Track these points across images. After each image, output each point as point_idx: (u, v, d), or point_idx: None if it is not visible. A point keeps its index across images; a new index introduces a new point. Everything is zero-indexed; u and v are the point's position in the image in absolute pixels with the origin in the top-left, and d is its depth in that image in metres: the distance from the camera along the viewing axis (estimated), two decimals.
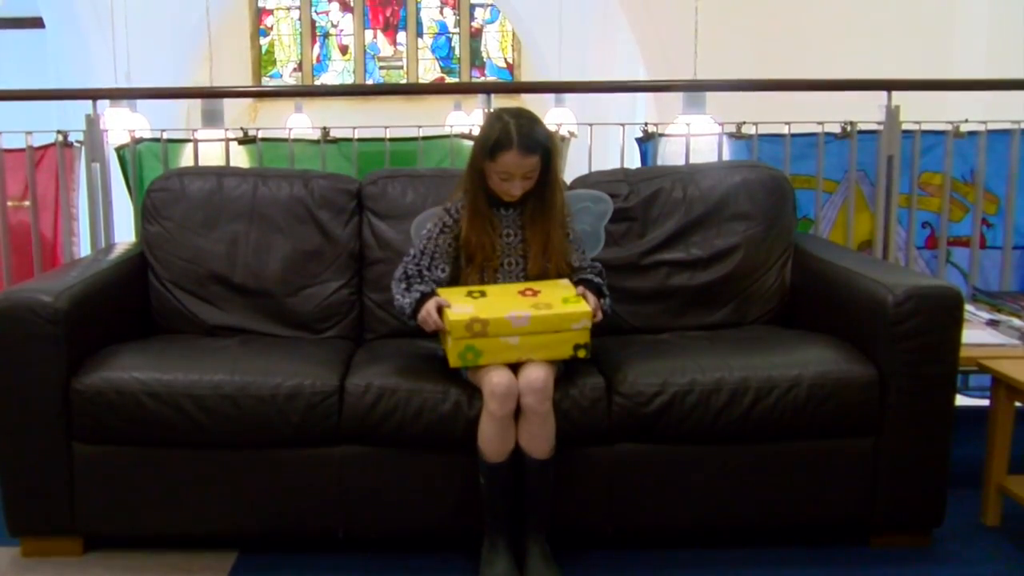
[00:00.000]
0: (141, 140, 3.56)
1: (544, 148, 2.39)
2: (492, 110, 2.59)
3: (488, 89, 3.82)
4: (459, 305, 2.34)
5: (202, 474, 2.41)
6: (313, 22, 13.43)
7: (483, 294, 2.39)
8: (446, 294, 2.40)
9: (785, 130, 3.52)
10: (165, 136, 3.53)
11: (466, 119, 7.00)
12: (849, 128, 3.53)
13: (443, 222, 2.51)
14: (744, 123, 3.54)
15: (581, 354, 2.33)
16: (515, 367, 2.29)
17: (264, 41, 13.37)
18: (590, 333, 2.34)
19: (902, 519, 2.49)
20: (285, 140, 3.59)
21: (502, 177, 2.40)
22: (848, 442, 2.44)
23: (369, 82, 13.31)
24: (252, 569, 2.43)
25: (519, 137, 2.36)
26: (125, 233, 3.50)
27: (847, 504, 2.46)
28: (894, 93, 3.47)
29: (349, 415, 2.38)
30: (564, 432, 2.32)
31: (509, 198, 2.44)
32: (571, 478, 2.39)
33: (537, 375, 2.26)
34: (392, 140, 3.58)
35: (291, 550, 2.50)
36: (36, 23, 8.67)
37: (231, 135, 3.57)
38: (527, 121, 2.40)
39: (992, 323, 2.93)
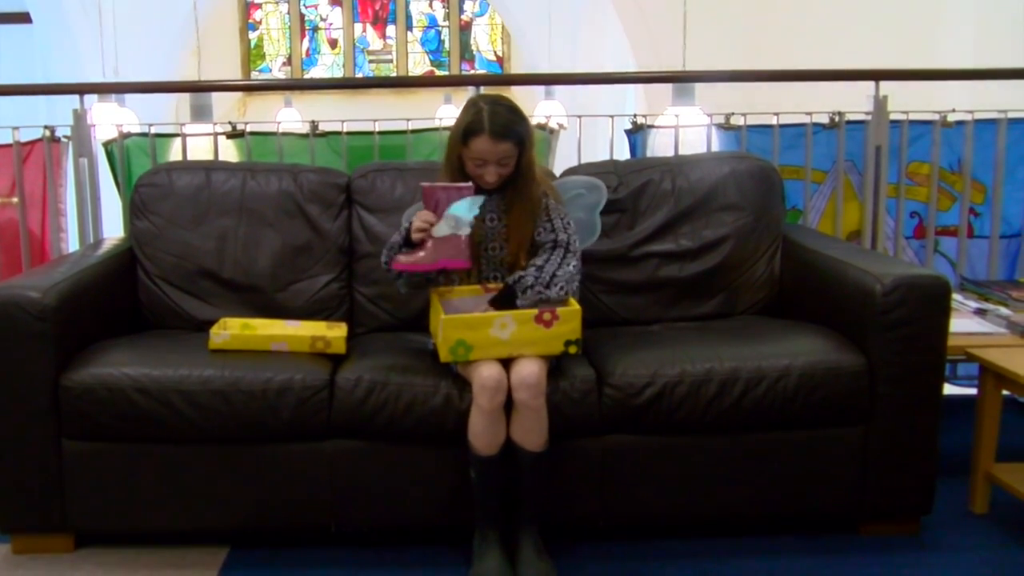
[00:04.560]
0: (129, 135, 3.55)
1: (517, 135, 2.39)
2: (471, 97, 2.59)
3: (478, 82, 3.82)
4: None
5: (193, 470, 2.41)
6: (302, 16, 13.36)
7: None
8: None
9: (773, 121, 3.52)
10: (153, 131, 3.51)
11: (456, 112, 6.98)
12: (837, 118, 3.54)
13: None
14: (733, 114, 3.54)
15: (572, 350, 2.33)
16: (506, 362, 2.29)
17: (253, 35, 13.30)
18: (581, 329, 2.34)
19: (891, 507, 2.50)
20: (274, 134, 3.58)
21: (476, 163, 2.41)
22: (837, 431, 2.45)
23: (358, 76, 13.27)
24: (244, 564, 2.43)
25: (491, 123, 2.36)
26: (114, 228, 3.49)
27: (836, 493, 2.48)
28: (882, 83, 3.48)
29: (340, 409, 2.38)
30: (555, 424, 2.32)
31: (486, 185, 2.43)
32: (562, 470, 2.39)
33: (530, 370, 2.26)
34: (381, 134, 3.58)
35: (283, 544, 2.50)
36: (23, 18, 8.60)
37: (220, 129, 3.55)
38: (502, 108, 2.39)
39: (980, 312, 2.94)
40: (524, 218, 2.46)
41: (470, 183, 2.36)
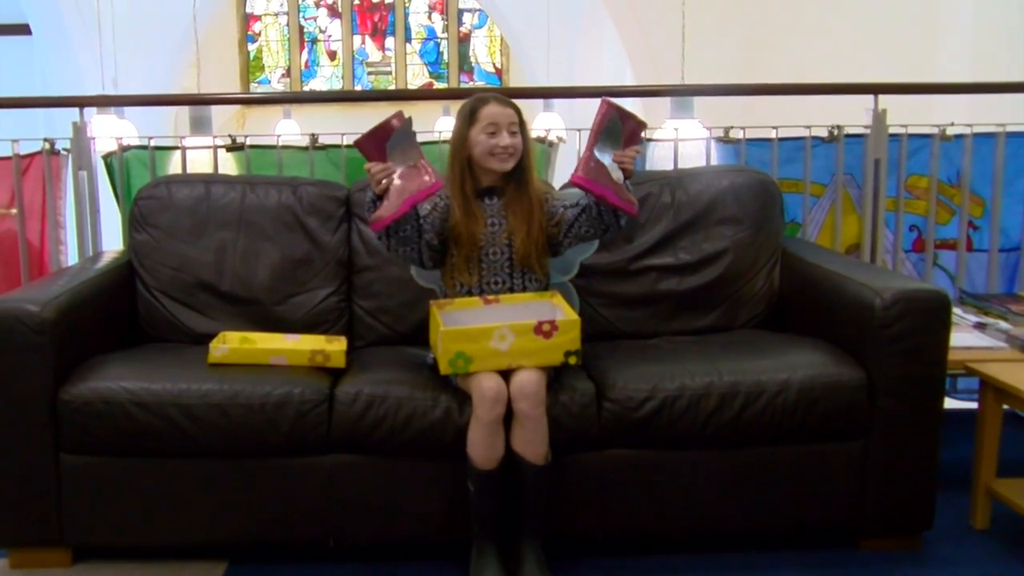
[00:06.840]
0: (128, 148, 3.54)
1: (518, 111, 2.48)
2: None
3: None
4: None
5: (191, 484, 2.40)
6: (301, 28, 13.41)
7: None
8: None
9: (773, 134, 3.53)
10: (152, 143, 3.51)
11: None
12: (836, 132, 3.54)
13: (433, 202, 2.49)
14: (732, 127, 3.55)
15: (572, 361, 2.32)
16: (505, 374, 2.28)
17: (252, 47, 13.35)
18: (581, 340, 2.34)
19: (891, 522, 2.50)
20: (273, 147, 3.58)
21: (489, 132, 2.44)
22: (837, 446, 2.45)
23: (357, 88, 13.31)
24: None
25: (491, 94, 2.50)
26: (113, 241, 3.49)
27: (836, 507, 2.47)
28: (881, 97, 3.49)
29: (339, 423, 2.37)
30: (554, 438, 2.32)
31: (502, 155, 2.44)
32: (561, 484, 2.38)
33: (529, 380, 2.26)
34: None
35: (281, 559, 2.49)
36: (23, 30, 8.64)
37: (219, 142, 3.55)
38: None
39: (979, 326, 2.94)
40: (524, 215, 2.47)
41: (399, 110, 2.33)
